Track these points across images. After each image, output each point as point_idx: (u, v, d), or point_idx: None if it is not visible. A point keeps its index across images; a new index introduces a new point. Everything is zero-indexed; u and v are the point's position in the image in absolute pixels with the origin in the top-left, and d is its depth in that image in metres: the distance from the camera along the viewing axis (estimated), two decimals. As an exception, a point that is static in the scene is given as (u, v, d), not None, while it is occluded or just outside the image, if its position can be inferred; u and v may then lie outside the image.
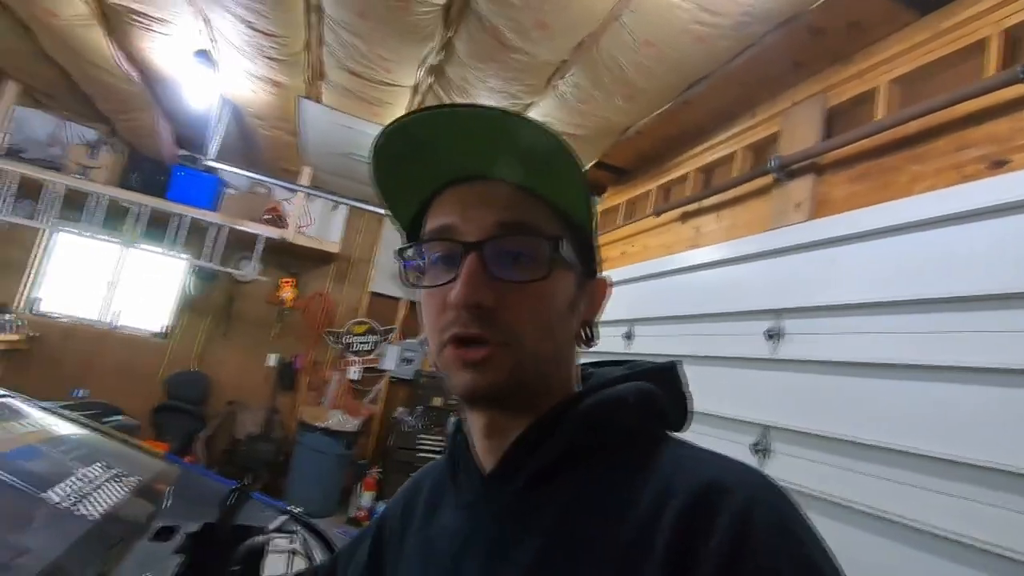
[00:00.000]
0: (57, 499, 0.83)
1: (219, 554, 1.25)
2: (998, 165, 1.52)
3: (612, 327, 3.20)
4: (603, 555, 0.39)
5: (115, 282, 4.67)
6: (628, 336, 3.03)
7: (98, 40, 2.84)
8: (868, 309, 1.73)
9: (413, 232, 0.51)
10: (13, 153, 4.01)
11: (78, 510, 0.85)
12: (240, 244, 4.56)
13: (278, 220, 4.58)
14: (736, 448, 2.01)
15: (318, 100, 3.18)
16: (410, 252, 0.49)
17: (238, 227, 4.30)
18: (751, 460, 1.93)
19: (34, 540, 0.74)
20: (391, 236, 5.21)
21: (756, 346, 2.10)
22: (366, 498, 4.55)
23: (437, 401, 5.10)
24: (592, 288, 0.51)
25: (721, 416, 2.11)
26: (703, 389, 2.09)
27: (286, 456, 4.64)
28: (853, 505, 1.57)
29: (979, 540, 1.30)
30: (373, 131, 3.36)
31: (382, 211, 3.98)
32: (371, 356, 5.18)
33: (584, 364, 0.54)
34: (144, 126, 3.96)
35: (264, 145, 4.19)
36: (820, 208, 2.08)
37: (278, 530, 1.34)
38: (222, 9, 2.41)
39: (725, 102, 2.54)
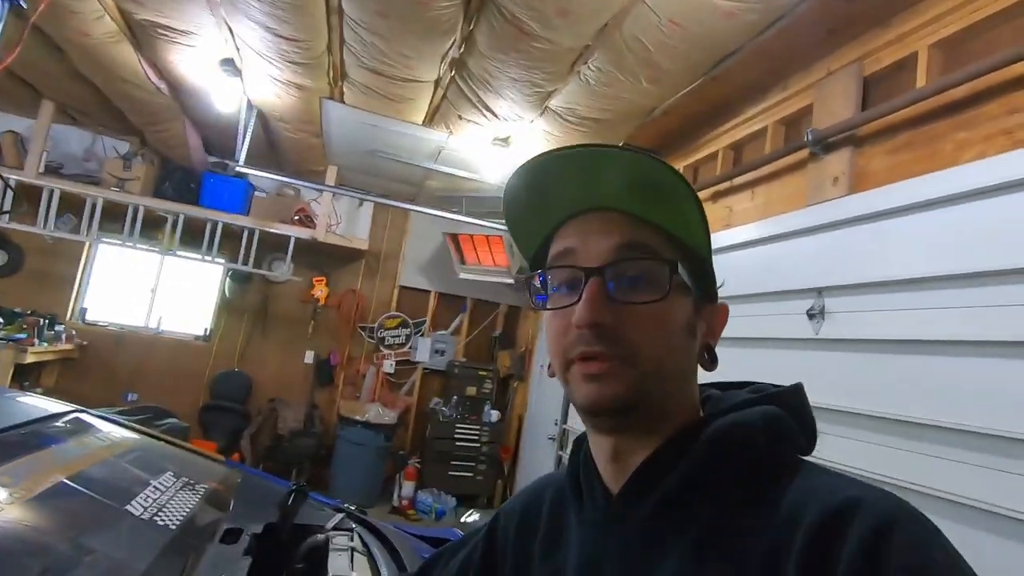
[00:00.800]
0: (139, 511, 0.87)
1: (282, 553, 1.30)
2: (1054, 128, 1.45)
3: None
4: (740, 572, 0.40)
5: (156, 289, 4.83)
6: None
7: (128, 56, 2.91)
8: (916, 285, 1.68)
9: (537, 264, 0.54)
10: (53, 170, 4.16)
11: (159, 520, 0.89)
12: (272, 246, 4.66)
13: (307, 220, 4.66)
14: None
15: (341, 100, 3.21)
16: (536, 279, 0.52)
17: (269, 229, 4.39)
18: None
19: (124, 552, 0.78)
20: (419, 229, 5.26)
21: (797, 326, 2.06)
22: (407, 488, 4.65)
23: (471, 391, 5.17)
24: (710, 313, 0.52)
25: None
26: (743, 372, 2.07)
27: (328, 450, 4.78)
28: (902, 483, 1.55)
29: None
30: (397, 127, 3.39)
31: (407, 206, 4.01)
32: (404, 349, 5.26)
33: (704, 384, 0.55)
34: (174, 136, 4.05)
35: (290, 147, 4.25)
36: (859, 181, 2.02)
37: (336, 528, 1.39)
38: (245, 17, 2.44)
39: (755, 76, 2.46)
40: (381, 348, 5.21)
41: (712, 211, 2.81)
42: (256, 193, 4.62)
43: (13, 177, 3.89)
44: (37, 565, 0.68)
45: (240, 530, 1.26)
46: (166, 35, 2.77)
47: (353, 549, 1.27)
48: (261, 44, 2.66)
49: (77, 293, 4.63)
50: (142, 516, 0.86)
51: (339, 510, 1.49)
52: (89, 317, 4.65)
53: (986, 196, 1.54)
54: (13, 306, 3.93)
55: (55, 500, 0.84)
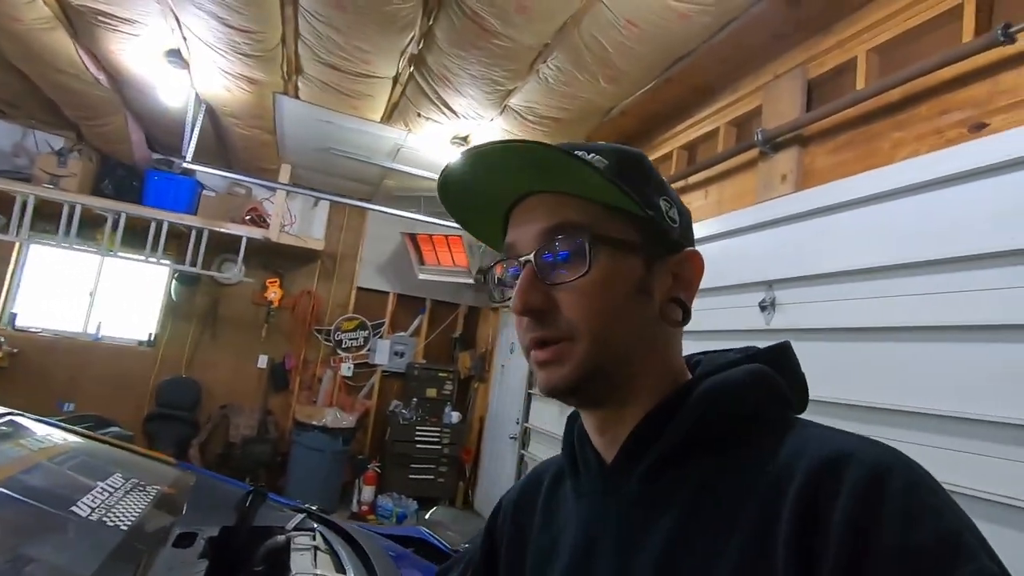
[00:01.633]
0: (86, 512, 0.82)
1: (240, 556, 1.25)
2: (978, 128, 1.56)
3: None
4: (731, 533, 0.40)
5: (95, 292, 4.57)
6: (621, 316, 3.07)
7: (63, 44, 2.74)
8: (858, 275, 1.78)
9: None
10: (-23, 166, 3.88)
11: (109, 521, 0.84)
12: (222, 246, 4.48)
13: (259, 220, 4.51)
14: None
15: (296, 96, 3.13)
16: (493, 273, 0.54)
17: (219, 229, 4.22)
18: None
19: (66, 555, 0.74)
20: (376, 229, 5.17)
21: (750, 317, 2.14)
22: (367, 492, 4.56)
23: (431, 392, 5.11)
24: (677, 264, 0.50)
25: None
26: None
27: (283, 456, 4.63)
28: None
29: (987, 492, 1.36)
30: (354, 125, 3.33)
31: (365, 205, 3.93)
32: (362, 351, 5.16)
33: (692, 353, 0.54)
34: (114, 131, 3.84)
35: (241, 145, 4.10)
36: (806, 179, 2.12)
37: (297, 528, 1.35)
38: (193, 6, 2.34)
39: (707, 78, 2.55)
40: (338, 351, 5.09)
41: (668, 209, 2.89)
42: (204, 192, 4.44)
43: (-69, 173, 3.61)
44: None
45: (195, 534, 1.21)
46: (107, 23, 2.63)
47: (316, 548, 1.23)
48: (210, 35, 2.56)
49: (6, 298, 4.32)
50: (89, 518, 0.80)
51: (299, 510, 1.45)
52: (20, 323, 4.34)
53: (918, 192, 1.64)
54: (-68, 312, 3.64)
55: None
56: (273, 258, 4.79)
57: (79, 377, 4.34)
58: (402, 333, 5.34)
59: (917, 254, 1.61)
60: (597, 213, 0.47)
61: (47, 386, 4.22)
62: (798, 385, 0.49)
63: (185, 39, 2.69)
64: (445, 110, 3.01)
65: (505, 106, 2.89)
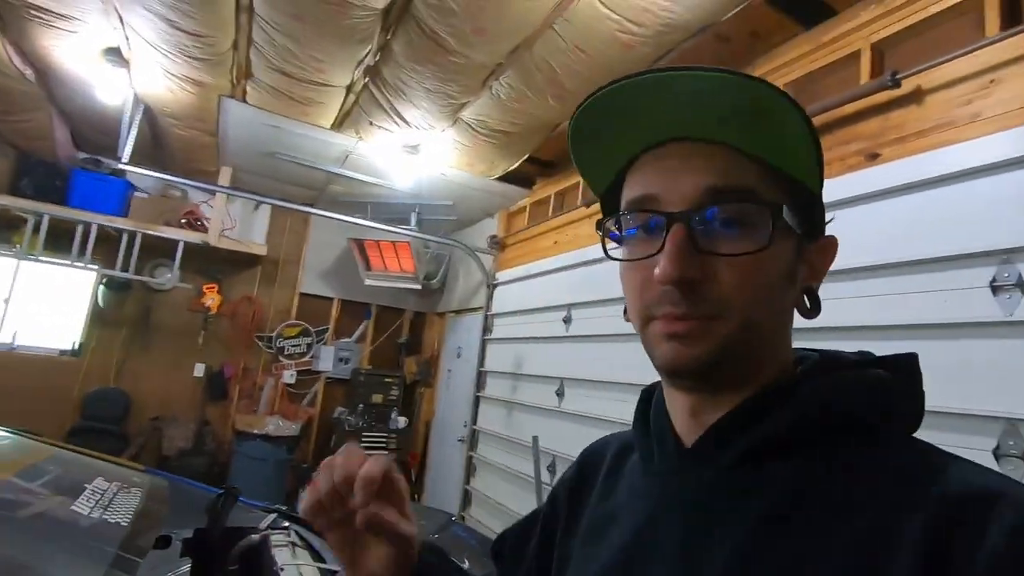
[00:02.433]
0: (86, 510, 0.86)
1: (215, 557, 1.29)
2: (872, 158, 1.83)
3: (551, 312, 3.40)
4: (827, 544, 0.36)
5: (10, 299, 4.25)
6: (567, 320, 3.24)
7: (-13, 36, 2.60)
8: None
9: (609, 202, 0.48)
10: None
11: (110, 519, 0.88)
12: (155, 251, 4.30)
13: (197, 224, 4.36)
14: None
15: (243, 100, 3.09)
16: (610, 224, 0.46)
17: (153, 233, 4.05)
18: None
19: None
20: (319, 236, 5.12)
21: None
22: (312, 501, 4.49)
23: (377, 398, 5.10)
24: (815, 251, 0.45)
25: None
26: (637, 365, 2.32)
27: (222, 467, 4.48)
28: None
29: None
30: (303, 131, 3.34)
31: (310, 210, 3.90)
32: (306, 358, 5.07)
33: (797, 348, 0.49)
34: (36, 127, 3.62)
35: (178, 145, 3.97)
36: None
37: (271, 527, 1.39)
38: (140, 7, 2.30)
39: (645, 101, 2.77)
40: (280, 358, 4.98)
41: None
42: (136, 193, 4.25)
43: None
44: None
45: (169, 537, 1.24)
46: (40, 17, 2.52)
47: (293, 544, 1.28)
48: (156, 36, 2.51)
49: (-97, 305, 3.95)
50: (90, 515, 0.84)
51: (270, 510, 1.48)
52: (-81, 333, 3.98)
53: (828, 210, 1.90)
54: None
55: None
56: (211, 263, 4.64)
57: (-9, 390, 4.02)
58: (347, 339, 5.30)
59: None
60: (761, 176, 0.41)
61: (-47, 400, 3.89)
62: (918, 402, 0.43)
63: (127, 38, 2.62)
64: (398, 120, 3.08)
65: (457, 118, 2.99)
